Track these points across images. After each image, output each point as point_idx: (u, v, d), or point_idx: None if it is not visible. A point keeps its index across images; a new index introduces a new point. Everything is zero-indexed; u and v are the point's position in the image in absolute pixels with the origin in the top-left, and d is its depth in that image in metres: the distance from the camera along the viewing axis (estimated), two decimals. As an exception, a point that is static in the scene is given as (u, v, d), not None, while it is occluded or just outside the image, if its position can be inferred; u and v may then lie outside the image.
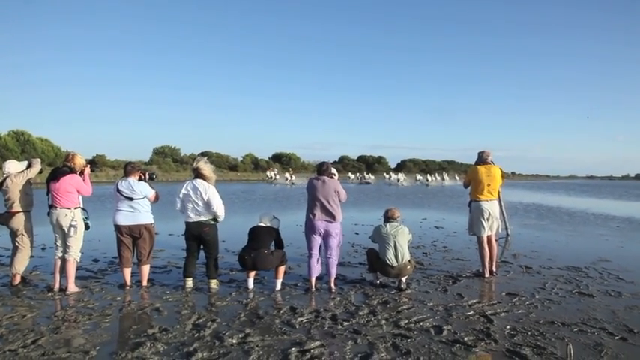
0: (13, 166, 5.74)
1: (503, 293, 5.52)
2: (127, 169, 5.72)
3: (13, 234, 5.67)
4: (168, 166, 63.86)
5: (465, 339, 3.93)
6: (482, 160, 6.52)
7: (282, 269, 5.60)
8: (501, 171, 6.61)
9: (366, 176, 63.35)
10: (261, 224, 5.68)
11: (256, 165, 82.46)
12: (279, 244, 5.67)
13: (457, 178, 63.80)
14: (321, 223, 5.46)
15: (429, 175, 61.77)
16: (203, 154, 70.55)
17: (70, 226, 5.37)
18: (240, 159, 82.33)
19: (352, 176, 67.70)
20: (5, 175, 5.65)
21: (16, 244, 5.66)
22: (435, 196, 30.36)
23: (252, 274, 5.63)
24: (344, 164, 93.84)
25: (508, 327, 4.26)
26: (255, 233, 5.58)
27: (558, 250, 8.70)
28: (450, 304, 5.00)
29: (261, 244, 5.46)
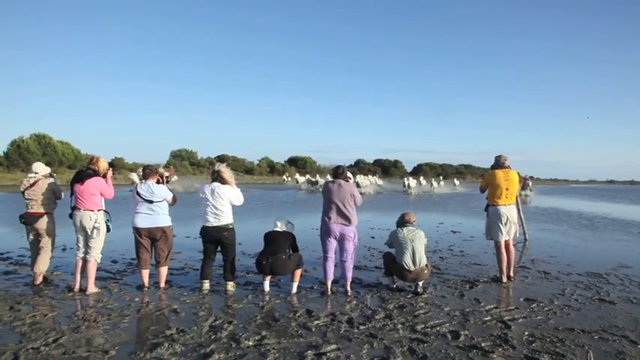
0: (41, 168, 5.93)
1: (521, 299, 5.45)
2: (146, 172, 5.80)
3: (37, 235, 5.79)
4: (185, 168, 64.46)
5: (482, 345, 3.90)
6: (499, 164, 6.46)
7: (298, 272, 5.62)
8: (519, 175, 6.55)
9: (320, 179, 41.87)
10: (277, 229, 5.71)
11: (272, 168, 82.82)
12: (295, 249, 5.70)
13: (456, 183, 52.44)
14: (336, 226, 5.46)
15: (411, 178, 43.14)
16: (219, 158, 71.19)
17: (93, 227, 5.48)
18: (256, 162, 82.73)
19: (301, 179, 46.22)
20: (37, 177, 5.79)
21: (39, 244, 5.78)
22: (445, 200, 30.06)
23: (269, 277, 5.65)
24: (360, 167, 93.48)
25: (526, 333, 4.21)
26: (272, 238, 5.61)
27: (577, 256, 8.55)
28: (467, 310, 4.95)
29: (279, 249, 5.48)
